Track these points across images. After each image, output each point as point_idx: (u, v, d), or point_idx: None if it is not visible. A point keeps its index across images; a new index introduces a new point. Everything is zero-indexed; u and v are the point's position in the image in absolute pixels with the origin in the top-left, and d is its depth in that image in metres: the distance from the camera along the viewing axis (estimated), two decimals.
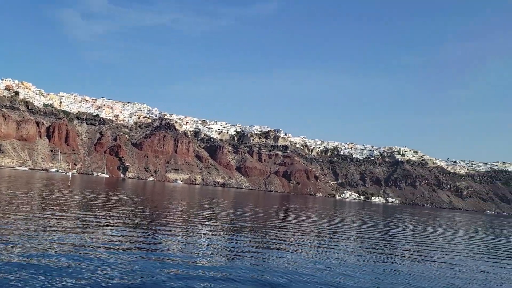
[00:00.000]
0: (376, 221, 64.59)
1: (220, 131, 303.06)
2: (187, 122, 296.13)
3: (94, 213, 32.28)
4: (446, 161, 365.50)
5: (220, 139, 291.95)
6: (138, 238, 23.18)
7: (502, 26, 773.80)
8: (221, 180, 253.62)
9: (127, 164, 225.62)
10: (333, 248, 27.02)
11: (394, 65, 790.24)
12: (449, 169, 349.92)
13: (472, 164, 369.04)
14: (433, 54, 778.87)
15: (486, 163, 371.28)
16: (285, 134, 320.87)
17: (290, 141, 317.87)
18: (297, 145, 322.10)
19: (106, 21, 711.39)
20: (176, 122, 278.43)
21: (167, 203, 55.26)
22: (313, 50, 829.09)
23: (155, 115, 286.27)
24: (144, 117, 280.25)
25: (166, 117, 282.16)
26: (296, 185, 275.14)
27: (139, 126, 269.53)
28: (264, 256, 21.74)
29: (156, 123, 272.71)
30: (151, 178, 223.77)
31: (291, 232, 34.86)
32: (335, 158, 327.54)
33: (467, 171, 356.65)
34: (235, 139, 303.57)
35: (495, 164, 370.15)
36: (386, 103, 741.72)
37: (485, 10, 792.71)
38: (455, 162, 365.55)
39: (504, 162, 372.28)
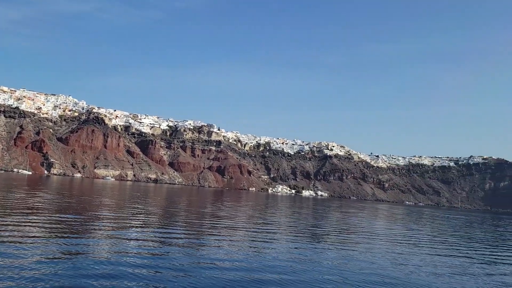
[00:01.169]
0: (306, 213, 68.51)
1: (152, 125, 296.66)
2: (117, 116, 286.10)
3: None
4: (369, 155, 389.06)
5: (152, 134, 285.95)
6: (66, 239, 23.31)
7: (417, 30, 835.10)
8: (153, 176, 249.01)
9: (51, 160, 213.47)
10: (266, 241, 29.00)
11: (320, 64, 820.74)
12: (372, 163, 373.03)
13: (392, 158, 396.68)
14: (355, 54, 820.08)
15: (405, 157, 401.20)
16: (219, 129, 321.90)
17: (224, 136, 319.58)
18: (230, 140, 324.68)
19: (23, 6, 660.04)
20: (105, 116, 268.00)
21: (94, 201, 54.18)
22: (244, 45, 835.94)
23: (82, 108, 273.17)
24: (70, 110, 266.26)
25: (94, 110, 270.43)
26: (230, 180, 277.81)
27: (65, 119, 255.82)
28: (195, 253, 22.05)
29: (83, 117, 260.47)
30: (78, 175, 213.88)
31: (223, 226, 36.31)
32: (267, 153, 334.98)
33: (388, 165, 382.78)
34: (168, 134, 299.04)
35: (413, 158, 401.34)
36: (315, 100, 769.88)
37: (402, 14, 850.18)
38: (377, 156, 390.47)
39: (420, 156, 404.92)
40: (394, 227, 55.92)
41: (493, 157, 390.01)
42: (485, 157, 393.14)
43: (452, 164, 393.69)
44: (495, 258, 31.16)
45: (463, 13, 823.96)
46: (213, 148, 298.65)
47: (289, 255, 23.71)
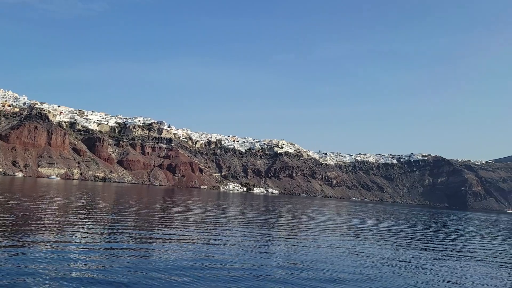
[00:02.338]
0: (257, 209, 70.87)
1: (99, 122, 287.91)
2: (61, 112, 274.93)
3: None
4: (318, 153, 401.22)
5: (100, 131, 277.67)
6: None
7: (364, 31, 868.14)
8: (101, 174, 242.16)
9: None
10: (214, 239, 30.68)
11: (272, 62, 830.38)
12: (321, 160, 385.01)
13: (340, 155, 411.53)
14: (306, 53, 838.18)
15: (351, 155, 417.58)
16: (169, 127, 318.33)
17: (174, 134, 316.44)
18: (181, 138, 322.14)
19: None
20: (49, 111, 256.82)
21: (32, 202, 53.16)
22: (194, 40, 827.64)
23: (24, 104, 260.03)
24: (10, 106, 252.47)
25: (37, 106, 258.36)
26: (181, 178, 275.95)
27: (4, 115, 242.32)
28: (145, 254, 22.12)
29: (25, 113, 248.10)
30: (20, 174, 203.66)
31: (174, 226, 37.43)
32: (219, 150, 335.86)
33: (336, 162, 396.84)
34: (116, 131, 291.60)
35: (359, 155, 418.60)
36: (265, 97, 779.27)
37: (351, 15, 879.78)
38: (326, 154, 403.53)
39: (365, 154, 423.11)
40: (353, 221, 59.66)
41: (432, 155, 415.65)
42: (424, 154, 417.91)
43: (394, 161, 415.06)
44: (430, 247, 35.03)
45: (405, 16, 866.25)
46: (164, 145, 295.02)
47: (240, 255, 25.51)
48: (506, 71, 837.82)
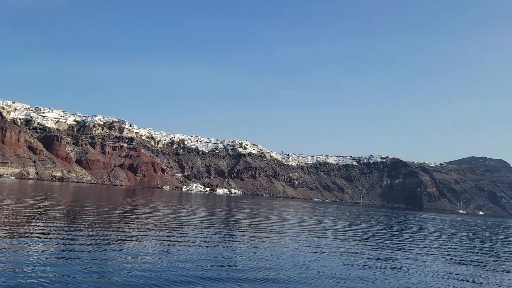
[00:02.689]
0: (219, 210, 71.48)
1: (57, 120, 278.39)
2: (16, 109, 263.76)
3: None
4: (281, 154, 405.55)
5: (57, 129, 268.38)
6: None
7: (325, 35, 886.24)
8: (59, 174, 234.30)
9: None
10: (176, 239, 31.17)
11: (235, 62, 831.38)
12: (283, 161, 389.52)
13: (302, 157, 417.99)
14: (268, 54, 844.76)
15: (313, 156, 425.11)
16: (131, 125, 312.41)
17: (136, 133, 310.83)
18: (143, 137, 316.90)
19: None
20: (2, 108, 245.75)
21: None
22: (155, 38, 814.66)
23: None
24: None
25: None
26: (143, 178, 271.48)
27: None
28: (104, 256, 22.11)
29: None
30: None
31: (133, 227, 37.57)
32: (181, 150, 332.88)
33: (298, 163, 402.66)
34: (75, 129, 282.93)
35: (320, 156, 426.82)
36: (229, 98, 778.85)
37: (314, 18, 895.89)
38: (288, 155, 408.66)
39: (327, 155, 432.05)
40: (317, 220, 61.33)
41: (390, 157, 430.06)
42: (383, 156, 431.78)
43: (354, 163, 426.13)
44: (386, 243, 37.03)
45: (365, 22, 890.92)
46: (125, 145, 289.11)
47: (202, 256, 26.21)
48: (456, 73, 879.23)
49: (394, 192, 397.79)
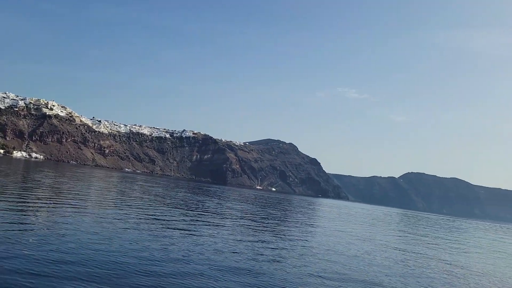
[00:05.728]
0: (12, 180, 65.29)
1: None
2: None
3: None
4: (92, 119, 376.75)
5: None
6: None
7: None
8: None
9: None
10: None
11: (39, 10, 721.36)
12: (94, 127, 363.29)
13: (115, 124, 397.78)
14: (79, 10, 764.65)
15: (126, 125, 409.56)
16: None
17: None
18: None
19: None
20: None
21: None
22: None
23: None
24: None
25: None
26: None
27: None
28: None
29: None
30: None
31: None
32: None
33: (110, 131, 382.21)
34: None
35: (134, 126, 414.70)
36: (32, 51, 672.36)
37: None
38: (100, 121, 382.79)
39: (140, 126, 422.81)
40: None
41: (202, 133, 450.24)
42: (195, 132, 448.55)
43: (168, 135, 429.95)
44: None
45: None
46: None
47: None
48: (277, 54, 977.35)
49: (202, 166, 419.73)
